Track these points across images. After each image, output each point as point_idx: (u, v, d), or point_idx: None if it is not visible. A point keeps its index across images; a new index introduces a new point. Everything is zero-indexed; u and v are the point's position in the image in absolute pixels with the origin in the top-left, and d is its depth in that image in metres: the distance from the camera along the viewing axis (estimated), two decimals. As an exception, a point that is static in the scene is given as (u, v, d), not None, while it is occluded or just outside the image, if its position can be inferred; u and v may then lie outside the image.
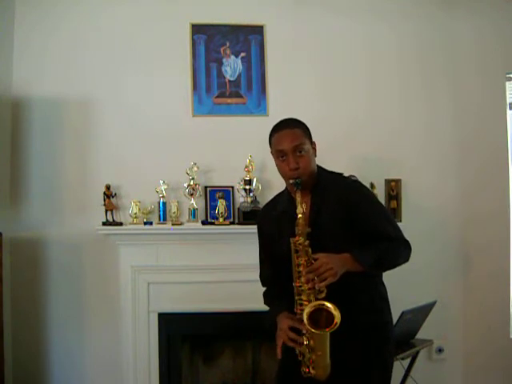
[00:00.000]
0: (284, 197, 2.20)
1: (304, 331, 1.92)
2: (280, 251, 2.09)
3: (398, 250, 2.07)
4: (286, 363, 2.06)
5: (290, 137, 2.04)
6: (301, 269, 1.94)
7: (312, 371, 1.95)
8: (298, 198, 1.97)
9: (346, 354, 1.98)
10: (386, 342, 2.11)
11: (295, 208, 1.98)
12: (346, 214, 2.03)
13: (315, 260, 1.91)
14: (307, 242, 1.94)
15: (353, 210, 2.03)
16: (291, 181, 2.02)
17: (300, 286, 1.95)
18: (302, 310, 1.91)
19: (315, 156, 2.12)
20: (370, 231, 2.04)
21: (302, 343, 1.94)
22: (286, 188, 2.19)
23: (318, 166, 2.14)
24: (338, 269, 1.89)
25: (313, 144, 2.12)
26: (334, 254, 1.93)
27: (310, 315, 1.87)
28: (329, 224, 2.02)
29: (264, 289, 2.28)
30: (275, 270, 2.19)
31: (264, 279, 2.29)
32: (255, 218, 3.12)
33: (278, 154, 2.06)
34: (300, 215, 1.95)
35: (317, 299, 1.90)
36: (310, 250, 1.94)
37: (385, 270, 2.12)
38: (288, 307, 2.05)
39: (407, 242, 2.09)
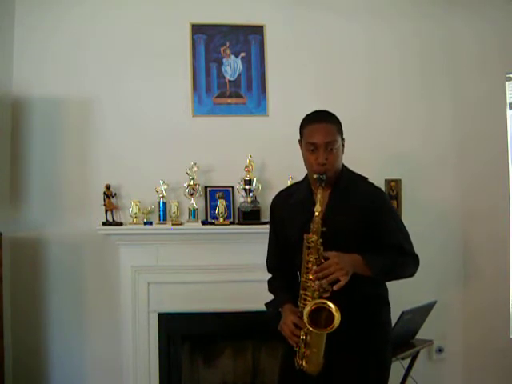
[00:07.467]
0: (303, 187, 2.17)
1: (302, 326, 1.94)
2: (289, 239, 2.09)
3: (407, 264, 2.07)
4: (288, 364, 2.06)
5: (325, 132, 2.03)
6: (310, 265, 1.95)
7: (305, 365, 1.98)
8: (319, 195, 1.95)
9: (343, 353, 1.99)
10: (384, 342, 2.12)
11: (313, 201, 1.98)
12: (363, 216, 2.02)
13: (325, 259, 1.91)
14: (320, 241, 1.94)
15: (371, 214, 2.03)
16: (315, 176, 2.01)
17: (306, 282, 1.96)
18: (305, 305, 1.92)
19: (343, 153, 2.11)
20: (383, 239, 2.04)
21: (299, 337, 1.96)
22: (306, 178, 2.17)
23: (342, 164, 2.13)
24: (349, 269, 1.90)
25: (343, 141, 2.11)
26: (344, 253, 1.93)
27: (311, 312, 1.89)
28: (343, 223, 2.01)
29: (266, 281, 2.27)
30: (283, 255, 2.19)
31: (270, 264, 2.28)
32: (257, 216, 3.18)
33: (309, 146, 2.04)
34: (317, 213, 1.94)
35: (320, 297, 1.91)
36: (321, 248, 1.94)
37: (389, 280, 2.13)
38: (292, 298, 2.06)
39: (417, 257, 2.10)
